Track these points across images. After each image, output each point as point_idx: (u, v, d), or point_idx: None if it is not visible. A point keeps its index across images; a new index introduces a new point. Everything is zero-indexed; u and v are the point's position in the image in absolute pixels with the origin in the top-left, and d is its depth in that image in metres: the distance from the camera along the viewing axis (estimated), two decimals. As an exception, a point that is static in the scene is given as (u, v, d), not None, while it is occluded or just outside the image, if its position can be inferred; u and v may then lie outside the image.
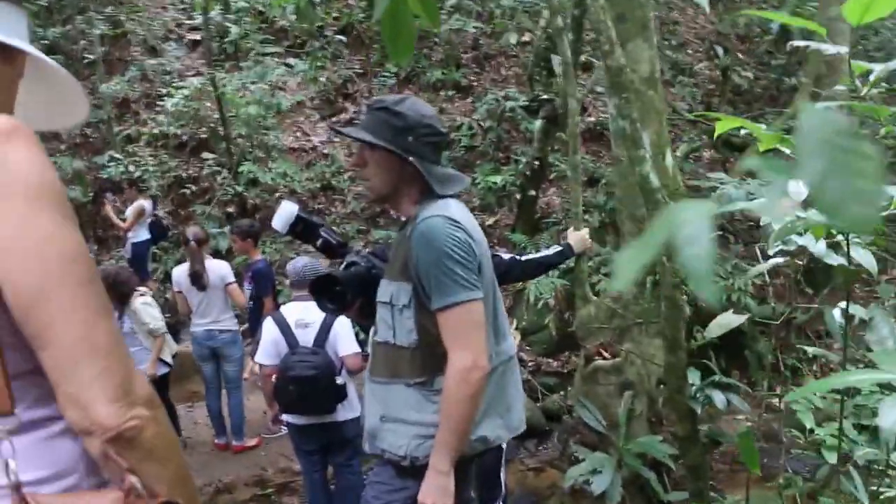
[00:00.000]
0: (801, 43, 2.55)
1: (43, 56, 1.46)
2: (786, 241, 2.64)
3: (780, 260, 2.96)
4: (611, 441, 4.99)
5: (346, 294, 3.17)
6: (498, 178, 10.79)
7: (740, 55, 13.76)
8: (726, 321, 3.31)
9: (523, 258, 4.32)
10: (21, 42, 1.41)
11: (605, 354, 5.45)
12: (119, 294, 6.31)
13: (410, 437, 2.83)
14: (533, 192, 9.81)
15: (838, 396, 4.26)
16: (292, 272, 5.25)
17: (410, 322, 2.78)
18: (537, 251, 4.51)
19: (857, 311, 2.98)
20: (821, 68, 9.90)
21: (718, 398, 3.94)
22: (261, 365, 5.07)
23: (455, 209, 2.80)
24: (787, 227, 2.32)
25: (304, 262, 5.29)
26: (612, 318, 5.34)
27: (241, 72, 12.47)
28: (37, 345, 1.28)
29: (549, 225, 9.96)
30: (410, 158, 2.78)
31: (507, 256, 4.34)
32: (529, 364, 8.18)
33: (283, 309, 5.20)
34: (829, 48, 2.33)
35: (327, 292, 3.19)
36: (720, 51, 12.78)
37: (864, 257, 2.53)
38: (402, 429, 2.86)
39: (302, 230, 3.60)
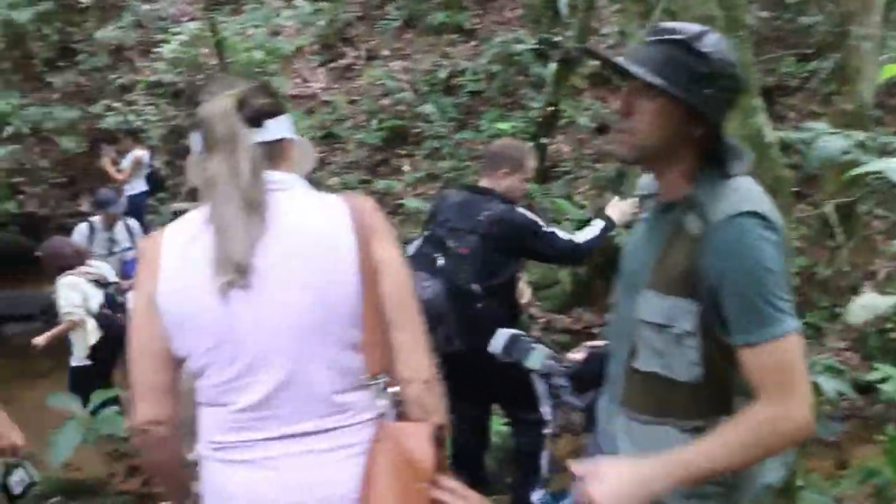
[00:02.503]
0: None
1: (297, 137, 2.14)
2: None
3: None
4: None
5: None
6: (505, 125, 10.39)
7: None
8: (872, 303, 2.97)
9: (582, 242, 4.18)
10: (295, 135, 2.11)
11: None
12: (52, 269, 6.23)
13: (681, 496, 2.15)
14: (545, 140, 9.51)
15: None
16: None
17: (694, 353, 2.08)
18: (580, 227, 4.35)
19: None
20: (850, 5, 9.45)
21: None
22: None
23: (765, 200, 2.09)
24: None
25: None
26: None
27: (241, 15, 12.15)
28: (396, 327, 1.98)
29: (559, 174, 9.69)
30: (704, 117, 2.06)
31: (565, 237, 4.18)
32: (540, 321, 7.96)
33: None
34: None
35: None
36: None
37: None
38: None
39: None
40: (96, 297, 6.28)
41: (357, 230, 1.96)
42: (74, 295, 6.18)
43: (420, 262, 4.09)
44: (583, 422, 2.73)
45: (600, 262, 7.96)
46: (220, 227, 1.87)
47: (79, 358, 6.31)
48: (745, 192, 2.07)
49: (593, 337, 7.61)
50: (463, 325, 4.05)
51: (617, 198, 4.78)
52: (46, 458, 5.45)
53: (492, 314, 4.06)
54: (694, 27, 2.12)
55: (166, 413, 1.98)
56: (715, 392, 2.09)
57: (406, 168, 11.02)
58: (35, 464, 3.77)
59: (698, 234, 2.04)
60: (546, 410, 4.36)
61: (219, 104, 1.92)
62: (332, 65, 12.92)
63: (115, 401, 5.97)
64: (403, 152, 11.14)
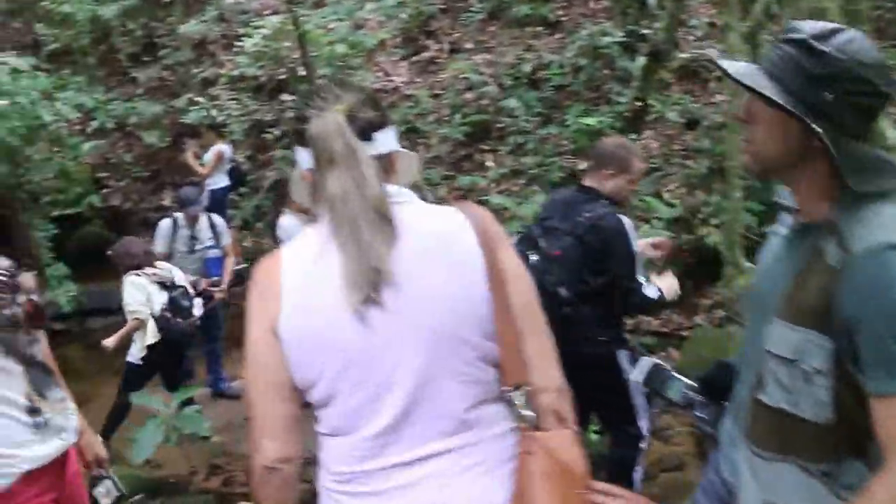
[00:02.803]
0: None
1: (402, 149, 2.13)
2: None
3: None
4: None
5: None
6: (592, 120, 10.13)
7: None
8: None
9: (649, 294, 4.13)
10: (399, 147, 2.09)
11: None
12: (122, 267, 6.32)
13: None
14: (632, 135, 9.26)
15: None
16: None
17: (824, 393, 1.88)
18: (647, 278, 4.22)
19: None
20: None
21: None
22: None
23: None
24: None
25: None
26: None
27: (323, 8, 12.11)
28: (526, 335, 1.95)
29: (648, 171, 9.40)
30: (815, 127, 1.81)
31: (642, 279, 4.14)
32: (628, 323, 7.74)
33: None
34: None
35: None
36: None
37: None
38: None
39: None
40: (159, 300, 6.27)
41: (480, 239, 1.95)
42: (139, 294, 6.20)
43: None
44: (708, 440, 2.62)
45: (692, 262, 7.71)
46: (353, 243, 1.85)
47: (134, 356, 6.31)
48: (892, 217, 1.83)
49: (682, 340, 7.41)
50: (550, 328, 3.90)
51: (654, 275, 4.53)
52: (126, 455, 5.43)
53: (581, 320, 3.97)
54: (824, 25, 1.92)
55: (294, 450, 1.93)
56: (846, 434, 1.89)
57: (490, 163, 10.81)
58: (116, 462, 3.71)
59: (837, 265, 1.83)
60: (643, 424, 4.19)
61: (330, 120, 1.90)
62: (415, 58, 12.80)
63: (192, 400, 5.95)
64: (487, 147, 10.93)
